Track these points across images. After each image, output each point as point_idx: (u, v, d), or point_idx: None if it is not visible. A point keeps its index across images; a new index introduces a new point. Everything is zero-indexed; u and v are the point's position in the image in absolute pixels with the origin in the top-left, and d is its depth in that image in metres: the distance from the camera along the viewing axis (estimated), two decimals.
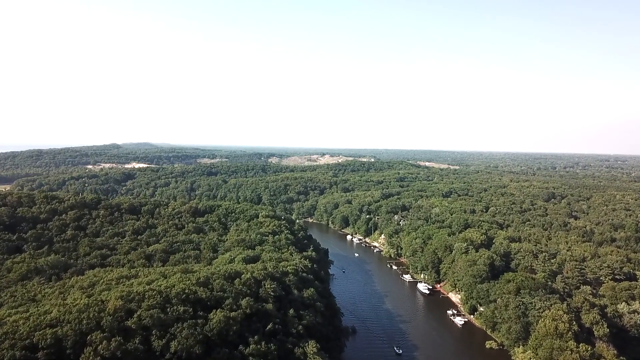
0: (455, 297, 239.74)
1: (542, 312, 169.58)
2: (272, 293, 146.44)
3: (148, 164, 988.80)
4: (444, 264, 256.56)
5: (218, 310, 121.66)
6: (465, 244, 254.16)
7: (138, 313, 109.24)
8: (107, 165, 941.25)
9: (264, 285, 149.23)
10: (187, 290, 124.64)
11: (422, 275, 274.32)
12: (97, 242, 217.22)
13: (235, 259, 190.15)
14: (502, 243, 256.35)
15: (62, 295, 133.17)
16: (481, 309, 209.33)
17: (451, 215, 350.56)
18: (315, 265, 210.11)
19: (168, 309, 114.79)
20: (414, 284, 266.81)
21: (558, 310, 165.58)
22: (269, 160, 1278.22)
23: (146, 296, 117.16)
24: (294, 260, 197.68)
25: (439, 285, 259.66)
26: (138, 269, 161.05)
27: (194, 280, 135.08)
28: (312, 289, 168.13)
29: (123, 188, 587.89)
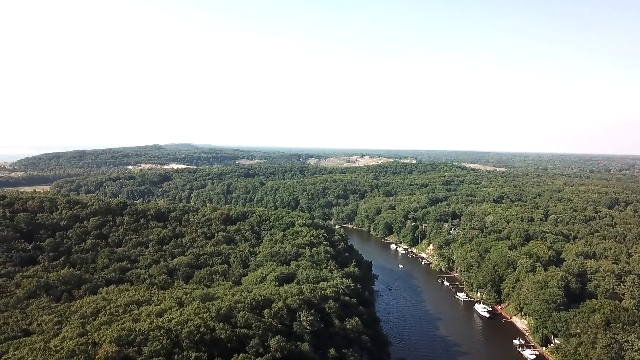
0: (521, 323, 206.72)
1: None
2: (308, 327, 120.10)
3: (187, 164, 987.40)
4: (506, 282, 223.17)
5: (240, 355, 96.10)
6: (531, 260, 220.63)
7: None
8: (146, 166, 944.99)
9: (300, 317, 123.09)
10: (202, 328, 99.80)
11: (478, 294, 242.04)
12: (117, 252, 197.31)
13: (267, 277, 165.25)
14: (574, 260, 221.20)
15: (57, 326, 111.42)
16: (556, 341, 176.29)
17: (507, 223, 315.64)
18: (358, 285, 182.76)
19: (176, 356, 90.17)
20: (469, 303, 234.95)
21: None
22: (308, 161, 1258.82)
23: (150, 337, 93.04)
24: (334, 279, 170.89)
25: (499, 307, 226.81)
26: (153, 292, 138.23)
27: (214, 313, 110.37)
28: (356, 319, 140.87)
29: (159, 190, 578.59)
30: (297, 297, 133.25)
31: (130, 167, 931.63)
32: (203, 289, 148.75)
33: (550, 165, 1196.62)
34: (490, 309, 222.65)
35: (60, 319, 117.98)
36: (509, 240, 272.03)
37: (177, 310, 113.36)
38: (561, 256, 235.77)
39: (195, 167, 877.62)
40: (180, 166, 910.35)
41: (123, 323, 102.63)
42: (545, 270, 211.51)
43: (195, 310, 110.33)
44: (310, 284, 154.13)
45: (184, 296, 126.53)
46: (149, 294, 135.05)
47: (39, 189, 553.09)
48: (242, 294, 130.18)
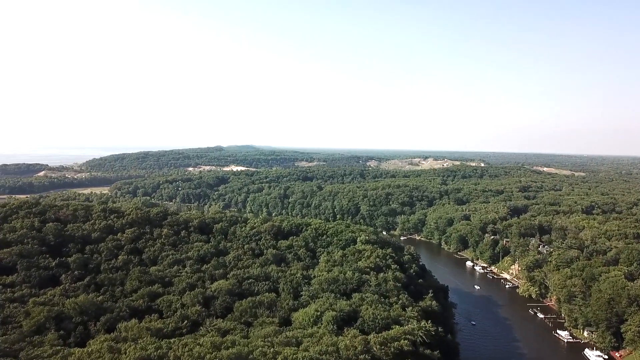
0: None
1: None
2: None
3: (247, 167, 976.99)
4: (629, 325, 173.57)
5: None
6: None
7: None
8: (206, 168, 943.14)
9: None
10: None
11: (585, 334, 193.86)
12: (150, 273, 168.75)
13: (323, 317, 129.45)
14: None
15: None
16: None
17: (609, 241, 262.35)
18: (439, 328, 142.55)
19: None
20: (575, 346, 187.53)
21: None
22: (368, 163, 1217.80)
23: None
24: (409, 322, 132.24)
25: (618, 354, 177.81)
26: (172, 343, 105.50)
27: None
28: None
29: (215, 193, 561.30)
30: (362, 357, 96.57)
31: (190, 169, 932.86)
32: (239, 333, 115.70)
33: (634, 170, 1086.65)
34: (607, 357, 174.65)
35: None
36: (617, 264, 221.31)
37: None
38: None
39: (254, 169, 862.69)
40: (240, 168, 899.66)
41: None
42: None
43: None
44: (378, 333, 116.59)
45: (208, 356, 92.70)
46: (167, 346, 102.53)
47: (98, 190, 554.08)
48: (287, 352, 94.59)
